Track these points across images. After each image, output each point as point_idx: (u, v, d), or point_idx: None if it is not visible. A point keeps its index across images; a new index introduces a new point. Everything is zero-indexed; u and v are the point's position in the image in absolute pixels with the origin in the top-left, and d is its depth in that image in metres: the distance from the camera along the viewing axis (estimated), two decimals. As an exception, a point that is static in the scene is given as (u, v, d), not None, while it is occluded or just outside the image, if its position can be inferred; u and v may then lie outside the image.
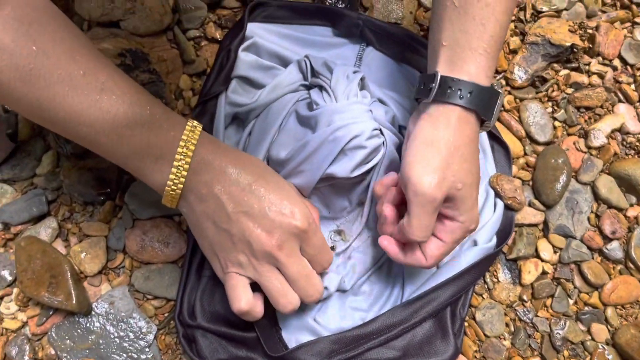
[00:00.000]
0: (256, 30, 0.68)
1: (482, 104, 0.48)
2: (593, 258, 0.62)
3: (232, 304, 0.49)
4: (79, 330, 0.57)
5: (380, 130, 0.58)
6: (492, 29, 0.48)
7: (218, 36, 0.71)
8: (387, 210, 0.52)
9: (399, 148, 0.61)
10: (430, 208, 0.47)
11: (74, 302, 0.56)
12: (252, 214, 0.47)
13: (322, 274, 0.55)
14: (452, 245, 0.51)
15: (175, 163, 0.45)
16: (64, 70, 0.40)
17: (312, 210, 0.55)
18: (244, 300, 0.48)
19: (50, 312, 0.59)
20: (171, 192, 0.47)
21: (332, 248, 0.59)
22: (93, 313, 0.58)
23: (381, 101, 0.63)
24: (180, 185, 0.46)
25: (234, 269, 0.49)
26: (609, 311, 0.60)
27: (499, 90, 0.50)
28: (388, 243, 0.52)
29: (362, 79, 0.61)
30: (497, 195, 0.62)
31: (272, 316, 0.56)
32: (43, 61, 0.40)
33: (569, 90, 0.69)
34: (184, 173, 0.46)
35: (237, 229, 0.47)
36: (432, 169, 0.46)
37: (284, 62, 0.67)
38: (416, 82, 0.53)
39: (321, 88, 0.61)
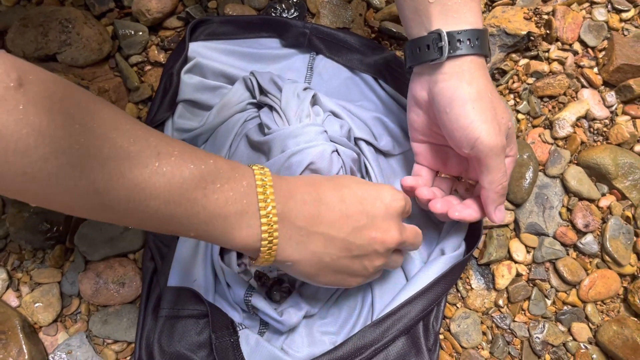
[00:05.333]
0: (199, 50, 0.65)
1: (486, 46, 0.49)
2: (568, 254, 0.60)
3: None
4: (36, 385, 0.55)
5: (337, 150, 0.56)
6: None
7: (162, 59, 0.68)
8: (439, 207, 0.52)
9: (356, 162, 0.58)
10: (503, 156, 0.48)
11: (26, 357, 0.53)
12: (362, 224, 0.44)
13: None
14: (508, 180, 0.51)
15: (262, 212, 0.40)
16: (113, 143, 0.35)
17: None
18: (400, 261, 0.51)
19: (6, 368, 0.56)
20: (269, 247, 0.41)
21: None
22: (50, 365, 0.56)
23: (334, 114, 0.61)
24: (276, 234, 0.41)
25: (377, 271, 0.49)
26: (589, 308, 0.58)
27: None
28: (471, 211, 0.52)
29: (313, 96, 0.58)
30: (463, 198, 0.59)
31: (237, 350, 0.54)
32: (88, 137, 0.33)
33: (530, 80, 0.66)
34: (275, 219, 0.41)
35: (360, 248, 0.45)
36: (490, 121, 0.47)
37: (231, 80, 0.64)
38: (407, 50, 0.52)
39: (271, 108, 0.58)
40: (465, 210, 0.51)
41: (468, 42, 0.47)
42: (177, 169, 0.37)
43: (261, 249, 0.41)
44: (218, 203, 0.39)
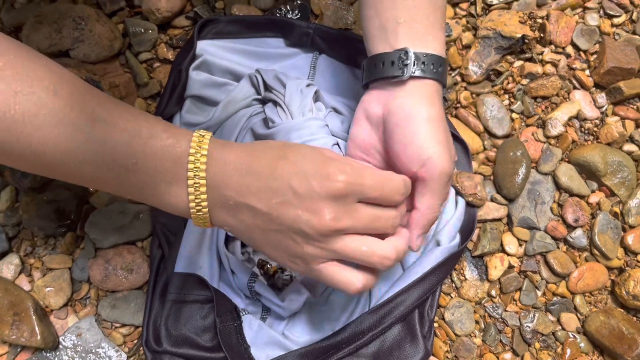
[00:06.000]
0: (207, 48, 0.68)
1: (446, 75, 0.50)
2: (558, 248, 0.62)
3: (347, 292, 0.44)
4: (47, 366, 0.57)
5: (338, 143, 0.58)
6: (441, 2, 0.51)
7: (170, 57, 0.71)
8: None
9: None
10: (448, 184, 0.47)
11: (38, 338, 0.56)
12: (288, 200, 0.41)
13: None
14: (440, 213, 0.50)
15: (189, 182, 0.41)
16: (49, 108, 0.37)
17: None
18: (354, 281, 0.44)
19: (19, 350, 0.58)
20: (198, 214, 0.43)
21: None
22: (61, 347, 0.58)
23: (336, 110, 0.63)
24: (204, 204, 0.42)
25: (315, 262, 0.43)
26: (578, 299, 0.60)
27: None
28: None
29: (315, 92, 0.61)
30: (458, 193, 0.62)
31: (240, 334, 0.56)
32: (24, 103, 0.36)
33: (524, 81, 0.69)
34: (203, 189, 0.41)
35: (284, 224, 0.42)
36: (444, 145, 0.47)
37: (237, 78, 0.67)
38: (366, 65, 0.52)
39: (275, 103, 0.61)
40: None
41: (432, 67, 0.48)
42: (109, 136, 0.39)
43: (191, 214, 0.43)
44: (148, 171, 0.40)
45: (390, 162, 0.50)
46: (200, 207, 0.42)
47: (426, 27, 0.49)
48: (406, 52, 0.48)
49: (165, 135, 0.41)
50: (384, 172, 0.44)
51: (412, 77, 0.48)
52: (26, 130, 0.36)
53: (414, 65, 0.48)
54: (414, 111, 0.47)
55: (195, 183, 0.41)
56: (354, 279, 0.44)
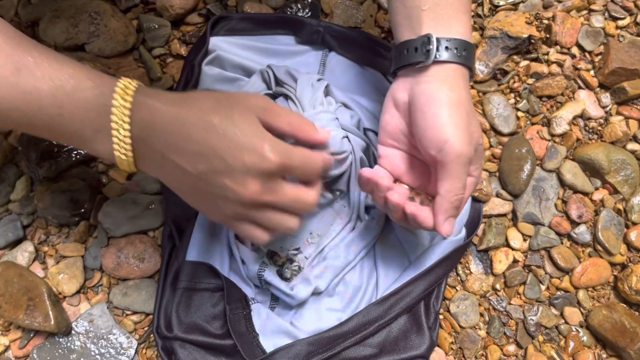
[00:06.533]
0: (219, 44, 0.69)
1: (472, 59, 0.50)
2: (562, 243, 0.63)
3: (256, 242, 0.48)
4: (60, 350, 0.58)
5: (347, 137, 0.60)
6: None
7: (183, 52, 0.72)
8: (396, 197, 0.50)
9: (366, 151, 0.62)
10: (467, 167, 0.47)
11: (52, 322, 0.57)
12: (217, 169, 0.42)
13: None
14: (466, 197, 0.50)
15: (113, 132, 0.41)
16: None
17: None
18: (264, 238, 0.47)
19: (32, 335, 0.60)
20: (124, 161, 0.43)
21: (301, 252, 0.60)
22: (73, 332, 0.59)
23: (345, 105, 0.64)
24: (130, 154, 0.43)
25: (233, 220, 0.46)
26: (581, 294, 0.61)
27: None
28: (427, 213, 0.49)
29: (326, 87, 0.62)
30: (464, 188, 0.63)
31: (249, 322, 0.57)
32: None
33: (530, 81, 0.70)
34: (128, 141, 0.42)
35: (212, 187, 0.43)
36: (463, 128, 0.47)
37: (249, 73, 0.68)
38: (394, 53, 0.52)
39: (287, 97, 0.62)
40: (421, 210, 0.49)
41: (455, 51, 0.48)
42: (34, 86, 0.40)
43: (117, 163, 0.44)
44: (74, 121, 0.41)
45: (417, 148, 0.51)
46: (127, 158, 0.43)
47: (450, 12, 0.49)
48: (429, 38, 0.48)
49: (90, 83, 0.41)
50: (306, 151, 0.46)
51: (436, 62, 0.48)
52: None
53: (437, 50, 0.48)
54: (435, 95, 0.48)
55: (119, 135, 0.42)
56: (263, 237, 0.47)
